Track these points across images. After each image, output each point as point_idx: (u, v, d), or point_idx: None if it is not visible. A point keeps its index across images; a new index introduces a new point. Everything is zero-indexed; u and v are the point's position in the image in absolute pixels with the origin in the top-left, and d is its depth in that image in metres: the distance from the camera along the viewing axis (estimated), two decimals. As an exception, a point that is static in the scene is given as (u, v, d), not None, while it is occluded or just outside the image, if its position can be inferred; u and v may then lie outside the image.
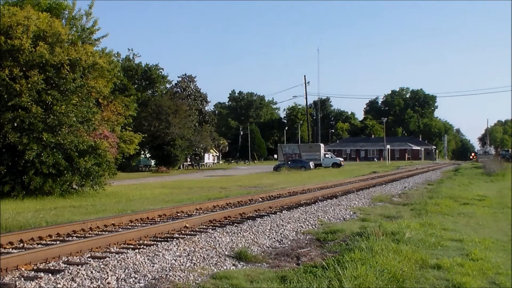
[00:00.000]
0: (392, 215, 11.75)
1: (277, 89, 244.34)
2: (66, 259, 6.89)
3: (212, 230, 9.30)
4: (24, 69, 18.26)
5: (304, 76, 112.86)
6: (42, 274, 6.03)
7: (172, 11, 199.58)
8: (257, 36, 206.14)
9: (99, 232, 9.35)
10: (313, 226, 10.45)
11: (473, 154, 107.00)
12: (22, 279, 5.82)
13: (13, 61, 18.14)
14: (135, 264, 6.50)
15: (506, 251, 7.65)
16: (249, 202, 14.62)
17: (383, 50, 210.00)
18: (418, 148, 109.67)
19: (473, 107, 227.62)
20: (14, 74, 17.72)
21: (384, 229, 8.79)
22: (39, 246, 7.98)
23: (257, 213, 11.95)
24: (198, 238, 8.27)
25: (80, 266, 6.34)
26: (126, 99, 37.38)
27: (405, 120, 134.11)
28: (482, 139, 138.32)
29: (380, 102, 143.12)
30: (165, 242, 7.95)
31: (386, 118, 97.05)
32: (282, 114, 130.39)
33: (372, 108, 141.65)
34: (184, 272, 6.31)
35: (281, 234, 9.37)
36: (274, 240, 8.90)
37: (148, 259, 6.79)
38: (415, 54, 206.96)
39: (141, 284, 5.82)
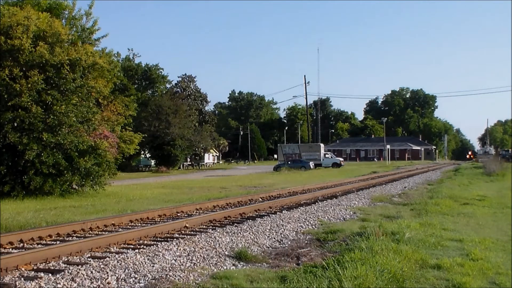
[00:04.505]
0: (392, 215, 11.76)
1: (277, 89, 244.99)
2: (66, 259, 6.89)
3: (212, 230, 9.30)
4: (24, 69, 18.25)
5: (304, 76, 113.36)
6: (42, 274, 6.03)
7: (172, 11, 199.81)
8: (257, 36, 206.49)
9: (99, 232, 9.35)
10: (313, 226, 10.45)
11: (470, 153, 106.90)
12: (22, 279, 5.82)
13: (13, 61, 18.12)
14: (135, 264, 6.50)
15: (506, 251, 7.65)
16: (249, 202, 14.62)
17: (383, 50, 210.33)
18: (418, 148, 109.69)
19: (473, 107, 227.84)
20: (14, 74, 17.70)
21: (384, 229, 8.79)
22: (39, 246, 7.98)
23: (257, 213, 11.95)
24: (198, 238, 8.27)
25: (80, 266, 6.34)
26: (126, 99, 37.36)
27: (405, 120, 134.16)
28: (482, 139, 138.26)
29: (380, 102, 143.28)
30: (165, 242, 7.95)
31: (386, 118, 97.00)
32: (282, 114, 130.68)
33: (372, 108, 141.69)
34: (184, 272, 6.31)
35: (281, 234, 9.37)
36: (274, 240, 8.90)
37: (148, 259, 6.79)
38: (415, 54, 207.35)
39: (141, 284, 5.82)
